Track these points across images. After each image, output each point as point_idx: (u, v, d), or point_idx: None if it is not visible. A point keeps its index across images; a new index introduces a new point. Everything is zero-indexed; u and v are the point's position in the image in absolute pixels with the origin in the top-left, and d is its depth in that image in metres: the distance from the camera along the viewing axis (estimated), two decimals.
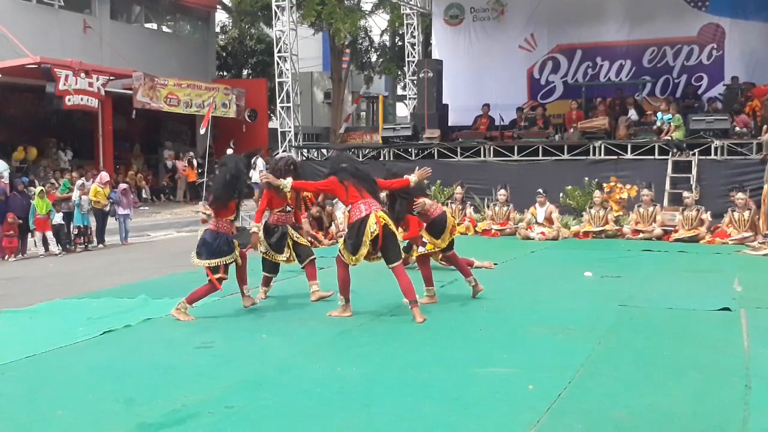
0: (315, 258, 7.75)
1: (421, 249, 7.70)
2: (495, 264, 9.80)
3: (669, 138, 14.42)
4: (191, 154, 23.82)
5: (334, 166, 7.06)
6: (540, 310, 7.10)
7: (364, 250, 6.65)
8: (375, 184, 6.96)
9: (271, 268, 7.79)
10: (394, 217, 7.10)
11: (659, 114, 15.27)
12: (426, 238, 7.53)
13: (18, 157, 20.06)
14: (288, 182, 7.13)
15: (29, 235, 13.38)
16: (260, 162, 22.00)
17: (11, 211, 13.01)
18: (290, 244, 7.65)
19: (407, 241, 8.12)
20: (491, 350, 5.71)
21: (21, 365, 5.62)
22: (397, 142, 16.97)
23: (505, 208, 13.81)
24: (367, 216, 6.62)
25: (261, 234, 7.59)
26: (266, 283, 7.89)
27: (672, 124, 14.77)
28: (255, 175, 20.31)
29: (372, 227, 6.57)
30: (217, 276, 6.91)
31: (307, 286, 7.72)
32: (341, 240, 6.96)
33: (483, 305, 7.37)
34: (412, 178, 7.11)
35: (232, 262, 7.01)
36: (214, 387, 4.91)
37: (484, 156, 15.60)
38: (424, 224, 7.53)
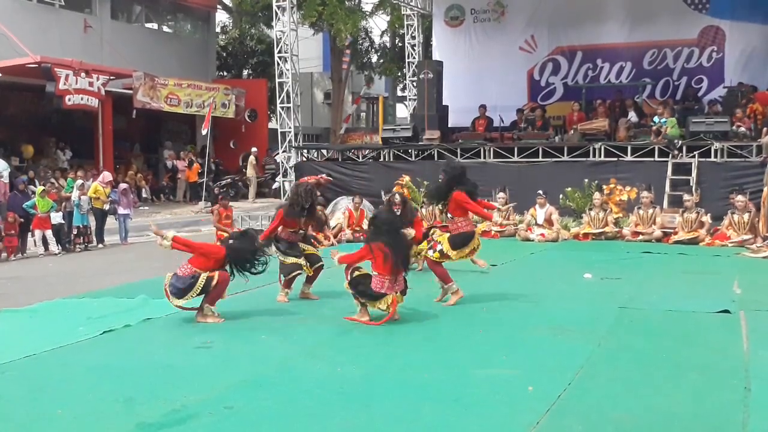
0: (322, 265, 7.86)
1: (430, 253, 7.64)
2: (493, 265, 9.78)
3: (664, 135, 14.44)
4: (198, 152, 23.83)
5: (375, 230, 6.81)
6: (540, 312, 7.11)
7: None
8: (406, 253, 6.80)
9: (289, 268, 7.71)
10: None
11: (656, 118, 15.30)
12: (443, 243, 7.48)
13: (27, 156, 20.02)
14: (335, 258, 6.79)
15: (29, 234, 13.36)
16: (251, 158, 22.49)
17: (11, 210, 12.99)
18: (302, 251, 7.77)
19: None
20: (491, 351, 5.72)
21: (21, 365, 5.62)
22: (396, 143, 16.98)
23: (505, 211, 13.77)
24: (385, 295, 6.53)
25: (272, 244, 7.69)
26: (309, 281, 7.92)
27: (667, 126, 14.79)
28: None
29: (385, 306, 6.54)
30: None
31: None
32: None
33: (483, 306, 7.37)
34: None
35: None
36: (214, 387, 4.91)
37: (484, 157, 15.60)
38: (447, 232, 7.57)
